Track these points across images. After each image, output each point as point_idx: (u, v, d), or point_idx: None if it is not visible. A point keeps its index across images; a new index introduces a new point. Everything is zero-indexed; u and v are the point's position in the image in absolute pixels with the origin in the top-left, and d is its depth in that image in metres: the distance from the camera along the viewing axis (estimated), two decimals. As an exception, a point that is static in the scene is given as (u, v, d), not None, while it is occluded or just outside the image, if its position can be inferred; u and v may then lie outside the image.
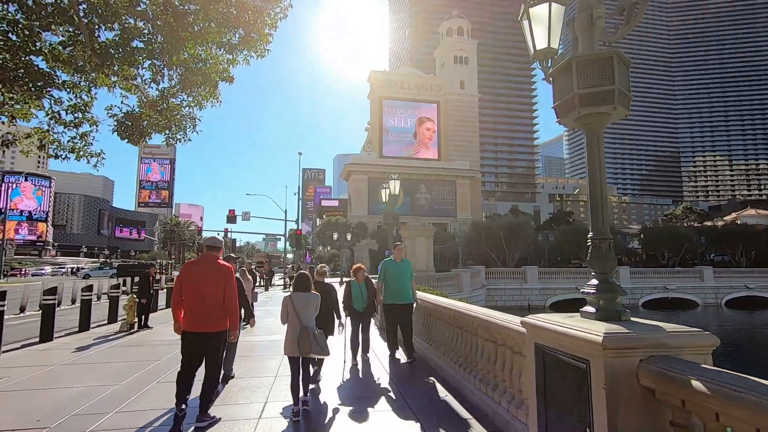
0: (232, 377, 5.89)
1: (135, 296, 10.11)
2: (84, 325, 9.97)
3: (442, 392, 5.32)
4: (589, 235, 2.98)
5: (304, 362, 4.59)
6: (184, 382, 4.11)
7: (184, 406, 4.08)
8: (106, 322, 11.38)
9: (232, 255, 6.24)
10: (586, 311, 2.88)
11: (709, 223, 64.44)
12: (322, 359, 5.67)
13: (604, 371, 2.34)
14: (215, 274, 4.19)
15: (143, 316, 10.23)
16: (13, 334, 9.48)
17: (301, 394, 4.51)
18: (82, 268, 65.54)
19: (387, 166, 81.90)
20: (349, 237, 32.21)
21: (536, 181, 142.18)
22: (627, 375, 2.35)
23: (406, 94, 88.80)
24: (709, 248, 52.28)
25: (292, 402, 4.51)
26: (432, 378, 5.92)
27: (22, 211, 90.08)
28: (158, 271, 14.59)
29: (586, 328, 2.53)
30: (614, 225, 54.85)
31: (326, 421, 4.44)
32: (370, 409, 4.76)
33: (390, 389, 5.49)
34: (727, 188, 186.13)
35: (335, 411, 4.70)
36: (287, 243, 48.32)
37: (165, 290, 16.44)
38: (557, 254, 40.22)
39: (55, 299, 8.85)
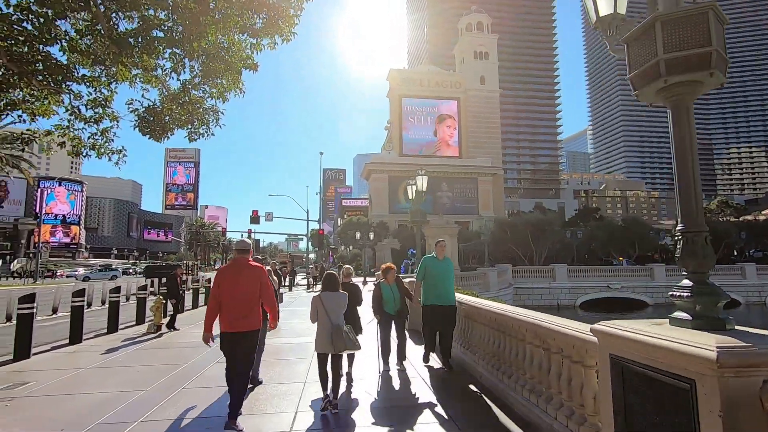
0: (260, 383, 5.62)
1: (162, 297, 10.03)
2: (112, 326, 9.96)
3: (486, 402, 4.89)
4: (677, 228, 2.52)
5: (333, 360, 4.63)
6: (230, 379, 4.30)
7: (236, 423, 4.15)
8: (134, 323, 11.40)
9: (258, 257, 5.99)
10: (678, 317, 2.43)
11: (749, 218, 61.31)
12: (353, 355, 5.91)
13: (719, 394, 1.89)
14: (249, 275, 4.33)
15: (173, 317, 10.16)
16: (44, 336, 9.54)
17: (330, 393, 4.59)
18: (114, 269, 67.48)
19: (407, 165, 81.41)
20: (371, 236, 31.87)
21: (560, 177, 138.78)
22: (748, 399, 1.89)
23: (426, 91, 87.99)
24: (749, 244, 49.60)
25: (322, 409, 4.56)
26: (473, 386, 5.49)
27: (56, 215, 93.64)
28: (184, 272, 14.60)
29: (690, 339, 2.07)
30: (644, 220, 52.62)
31: (362, 435, 4.09)
32: (409, 421, 4.38)
33: (429, 398, 5.09)
34: (764, 181, 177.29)
35: (371, 423, 4.35)
36: (309, 243, 48.50)
37: (191, 291, 16.46)
38: (585, 252, 38.66)
39: (83, 301, 8.83)
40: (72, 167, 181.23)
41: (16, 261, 63.34)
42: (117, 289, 10.20)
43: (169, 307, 10.71)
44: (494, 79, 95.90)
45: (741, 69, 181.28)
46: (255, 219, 34.03)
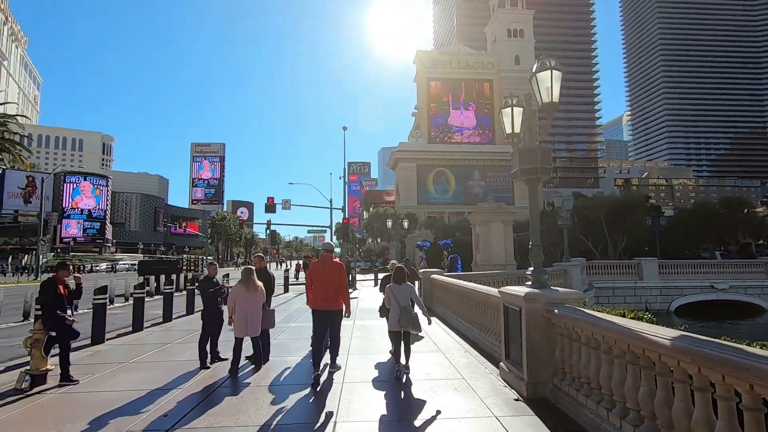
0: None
1: (42, 327, 5.30)
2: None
3: None
4: None
5: (405, 336, 5.87)
6: (317, 346, 5.81)
7: (319, 369, 5.70)
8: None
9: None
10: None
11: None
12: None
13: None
14: (332, 269, 5.85)
15: (62, 363, 5.41)
16: None
17: (403, 360, 5.89)
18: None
19: (437, 152, 76.00)
20: (406, 224, 26.84)
21: (599, 165, 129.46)
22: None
23: (456, 73, 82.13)
24: None
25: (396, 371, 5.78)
26: None
27: (82, 210, 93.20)
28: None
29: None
30: (752, 201, 44.12)
31: None
32: None
33: None
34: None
35: None
36: (334, 236, 43.90)
37: (163, 297, 11.66)
38: (669, 242, 30.71)
39: None
40: (103, 164, 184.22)
41: (41, 256, 62.09)
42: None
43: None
44: (530, 59, 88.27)
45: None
46: (270, 207, 29.49)
